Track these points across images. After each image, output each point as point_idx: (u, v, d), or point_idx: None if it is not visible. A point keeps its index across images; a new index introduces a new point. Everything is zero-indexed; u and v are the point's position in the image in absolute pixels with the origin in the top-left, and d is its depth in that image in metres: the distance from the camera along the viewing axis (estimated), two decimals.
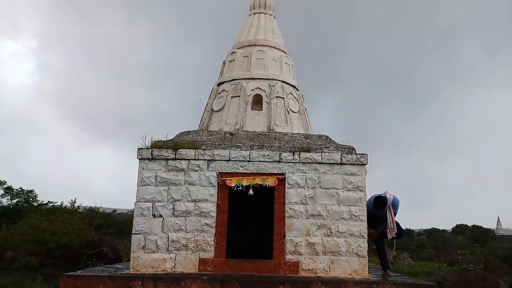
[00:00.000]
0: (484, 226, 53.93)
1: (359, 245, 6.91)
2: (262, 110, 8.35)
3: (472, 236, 47.54)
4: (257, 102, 8.46)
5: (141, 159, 7.14)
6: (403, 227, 8.06)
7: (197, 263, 6.79)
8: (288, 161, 7.13)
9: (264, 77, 8.61)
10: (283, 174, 7.11)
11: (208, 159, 7.12)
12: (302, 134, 7.90)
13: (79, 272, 6.91)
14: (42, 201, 19.39)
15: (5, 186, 18.46)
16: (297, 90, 9.08)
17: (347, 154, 7.22)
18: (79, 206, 19.36)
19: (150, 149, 7.16)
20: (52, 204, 19.41)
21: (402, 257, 19.21)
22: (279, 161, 7.13)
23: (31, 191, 19.11)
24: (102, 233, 17.04)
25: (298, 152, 7.17)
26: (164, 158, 7.12)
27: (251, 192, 6.98)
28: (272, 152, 7.16)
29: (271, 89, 8.43)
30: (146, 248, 6.84)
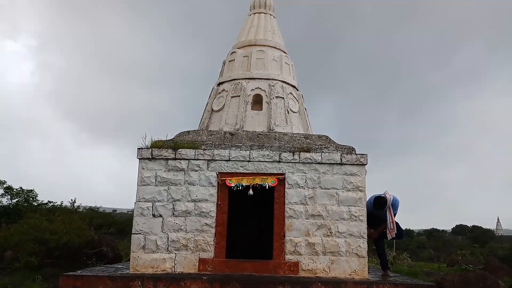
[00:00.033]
0: (484, 227, 53.91)
1: (359, 246, 6.91)
2: (262, 110, 8.35)
3: (472, 237, 47.49)
4: (257, 102, 8.46)
5: (141, 159, 7.14)
6: (403, 228, 8.05)
7: (197, 263, 6.79)
8: (288, 161, 7.14)
9: (264, 77, 8.61)
10: (283, 174, 7.11)
11: (208, 159, 7.12)
12: (302, 134, 7.90)
13: (79, 272, 6.92)
14: (42, 200, 19.40)
15: (5, 185, 18.45)
16: (297, 90, 9.08)
17: (347, 154, 7.22)
18: (79, 206, 19.36)
19: (150, 149, 7.16)
20: (52, 204, 19.42)
21: (401, 258, 19.20)
22: (279, 161, 7.13)
23: (31, 190, 19.10)
24: (102, 233, 17.03)
25: (298, 152, 7.17)
26: (164, 158, 7.12)
27: (251, 192, 6.98)
28: (272, 152, 7.16)
29: (271, 89, 8.43)
30: (146, 248, 6.84)
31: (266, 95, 8.41)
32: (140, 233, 6.90)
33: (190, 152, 7.13)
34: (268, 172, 7.10)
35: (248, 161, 7.12)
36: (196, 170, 7.09)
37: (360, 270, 6.83)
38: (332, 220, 6.98)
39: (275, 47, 9.14)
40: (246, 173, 7.09)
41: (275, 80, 8.62)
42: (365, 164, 7.21)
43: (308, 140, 7.58)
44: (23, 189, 18.83)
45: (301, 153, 7.17)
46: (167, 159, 7.13)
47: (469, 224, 59.03)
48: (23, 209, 16.99)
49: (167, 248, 6.84)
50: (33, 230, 12.44)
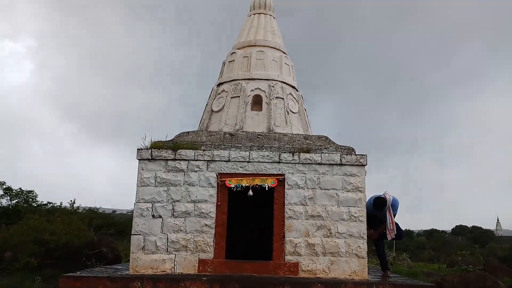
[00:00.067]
0: (484, 227, 53.92)
1: (359, 246, 6.91)
2: (261, 110, 8.35)
3: (471, 237, 47.48)
4: (257, 102, 8.46)
5: (140, 159, 7.14)
6: (403, 228, 8.06)
7: (197, 264, 6.78)
8: (288, 161, 7.13)
9: (264, 78, 8.61)
10: (282, 175, 7.10)
11: (207, 159, 7.11)
12: (302, 134, 7.90)
13: (78, 273, 6.91)
14: (41, 201, 19.39)
15: (4, 186, 18.44)
16: (297, 91, 9.07)
17: (346, 155, 7.22)
18: (78, 207, 19.36)
19: (150, 150, 7.15)
20: (51, 204, 19.41)
21: (401, 258, 19.19)
22: (278, 162, 7.13)
23: (31, 191, 19.09)
24: (102, 234, 17.00)
25: (297, 153, 7.17)
26: (163, 158, 7.11)
27: (250, 193, 6.97)
28: (271, 152, 7.16)
29: (271, 90, 8.42)
30: (145, 249, 6.83)
31: (266, 96, 8.41)
32: (139, 234, 6.89)
33: (189, 153, 7.13)
34: (268, 172, 7.10)
35: (248, 161, 7.12)
36: (196, 171, 7.09)
37: (360, 270, 6.82)
38: (332, 220, 6.97)
39: (275, 48, 9.14)
40: (245, 173, 7.08)
41: (275, 80, 8.61)
42: (364, 165, 7.21)
43: (307, 141, 7.58)
44: (22, 190, 18.82)
45: (301, 153, 7.16)
46: (167, 159, 7.12)
47: (469, 225, 59.11)
48: (23, 210, 16.98)
49: (167, 249, 6.83)
50: (32, 231, 12.43)
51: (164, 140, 7.45)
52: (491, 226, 66.81)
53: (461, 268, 16.20)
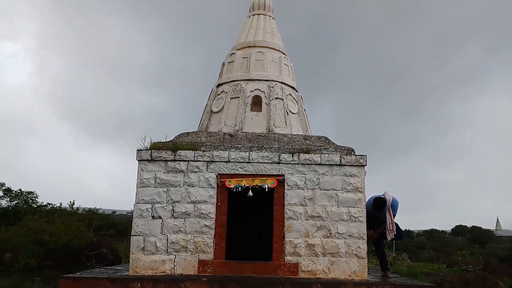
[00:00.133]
0: (483, 227, 53.95)
1: (359, 246, 6.91)
2: (261, 111, 8.35)
3: (471, 237, 47.52)
4: (256, 103, 8.46)
5: (140, 160, 7.14)
6: (402, 228, 8.06)
7: (197, 265, 6.78)
8: (288, 162, 7.14)
9: (263, 79, 8.61)
10: (282, 175, 7.11)
11: (207, 160, 7.11)
12: (302, 135, 7.90)
13: (78, 274, 6.90)
14: (42, 202, 19.41)
15: (4, 187, 18.44)
16: (296, 92, 9.08)
17: (346, 155, 7.22)
18: (78, 208, 19.38)
19: (149, 151, 7.16)
20: (51, 205, 19.43)
21: (401, 258, 19.22)
22: (278, 162, 7.13)
23: (31, 192, 19.11)
24: (102, 235, 17.03)
25: (297, 153, 7.17)
26: (163, 159, 7.11)
27: (250, 193, 6.97)
28: (271, 153, 7.16)
29: (270, 91, 8.43)
30: (145, 249, 6.83)
31: (265, 97, 8.42)
32: (139, 235, 6.89)
33: (189, 154, 7.13)
34: (268, 173, 7.10)
35: (248, 162, 7.12)
36: (196, 172, 7.09)
37: (360, 271, 6.83)
38: (331, 221, 6.98)
39: (274, 49, 9.15)
40: (245, 174, 7.08)
41: (274, 81, 8.62)
42: (364, 165, 7.21)
43: (307, 141, 7.58)
44: (22, 191, 18.83)
45: (301, 154, 7.17)
46: (167, 160, 7.12)
47: (469, 225, 59.17)
48: (22, 211, 17.01)
49: (167, 249, 6.83)
50: (32, 232, 12.45)
51: (164, 141, 7.45)
52: (491, 226, 66.86)
53: (461, 268, 16.23)
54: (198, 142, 7.39)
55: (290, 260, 6.84)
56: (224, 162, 7.11)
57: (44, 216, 15.56)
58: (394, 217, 7.45)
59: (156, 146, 7.22)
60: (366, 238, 7.00)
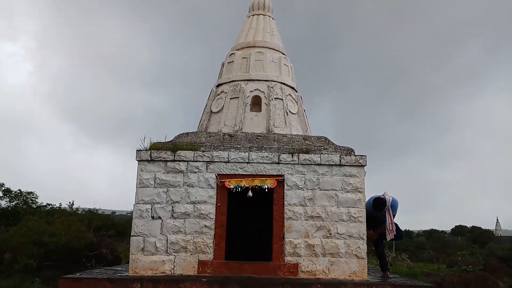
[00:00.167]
0: (483, 227, 53.96)
1: (358, 247, 6.91)
2: (261, 111, 8.35)
3: (471, 237, 47.51)
4: (256, 103, 8.46)
5: (140, 160, 7.13)
6: (402, 228, 8.05)
7: (196, 265, 6.78)
8: (287, 162, 7.13)
9: (263, 79, 8.61)
10: (282, 175, 7.10)
11: (207, 160, 7.11)
12: (301, 135, 7.90)
13: (78, 274, 6.89)
14: (41, 203, 19.40)
15: (3, 188, 18.43)
16: (296, 92, 9.08)
17: (346, 155, 7.22)
18: (77, 208, 19.38)
19: (149, 151, 7.15)
20: (50, 206, 19.42)
21: (401, 259, 19.22)
22: (278, 163, 7.13)
23: (31, 192, 19.09)
24: (101, 235, 17.02)
25: (297, 154, 7.17)
26: (163, 159, 7.11)
27: (250, 194, 6.97)
28: (271, 153, 7.16)
29: (270, 91, 8.43)
30: (145, 250, 6.82)
31: (265, 97, 8.41)
32: (139, 235, 6.88)
33: (189, 154, 7.13)
34: (267, 173, 7.10)
35: (247, 162, 7.11)
36: (195, 172, 7.08)
37: (360, 271, 6.82)
38: (331, 221, 6.97)
39: (274, 49, 9.15)
40: (245, 174, 7.08)
41: (274, 81, 8.62)
42: (364, 165, 7.21)
43: (307, 142, 7.58)
44: (21, 192, 18.81)
45: (300, 154, 7.17)
46: (166, 161, 7.12)
47: (469, 225, 59.17)
48: (22, 212, 17.00)
49: (166, 250, 6.83)
50: (32, 233, 12.44)
51: (164, 141, 7.44)
52: (491, 226, 66.86)
53: (460, 268, 16.23)
54: (198, 143, 7.39)
55: (290, 261, 6.84)
56: (224, 162, 7.11)
57: (44, 216, 15.55)
58: (394, 217, 7.45)
59: (156, 147, 7.22)
60: (366, 239, 7.00)
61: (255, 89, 8.49)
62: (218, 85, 9.01)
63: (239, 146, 7.24)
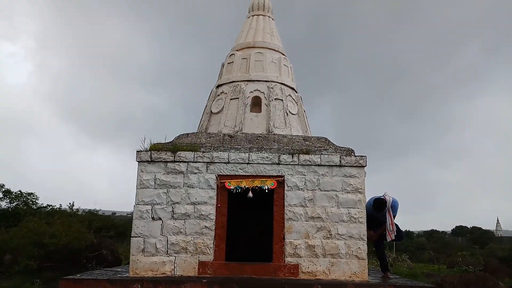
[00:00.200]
0: (484, 228, 53.93)
1: (359, 248, 6.91)
2: (261, 112, 8.35)
3: (471, 238, 47.47)
4: (256, 104, 8.46)
5: (140, 161, 7.13)
6: (403, 229, 8.05)
7: (197, 266, 6.77)
8: (287, 163, 7.13)
9: (263, 79, 8.61)
10: (282, 176, 7.10)
11: (207, 161, 7.11)
12: (301, 136, 7.90)
13: (78, 275, 6.89)
14: (41, 204, 19.39)
15: (3, 189, 18.42)
16: (296, 92, 9.08)
17: (346, 156, 7.21)
18: (78, 209, 19.37)
19: (149, 152, 7.15)
20: (51, 207, 19.41)
21: (401, 259, 19.20)
22: (278, 163, 7.13)
23: (31, 193, 19.08)
24: (102, 236, 17.00)
25: (297, 154, 7.17)
26: (163, 160, 7.11)
27: (250, 194, 6.96)
28: (271, 154, 7.15)
29: (270, 91, 8.43)
30: (145, 251, 6.82)
31: (265, 97, 8.41)
32: (139, 236, 6.88)
33: (189, 155, 7.12)
34: (268, 174, 7.10)
35: (248, 163, 7.11)
36: (195, 173, 7.08)
37: (360, 272, 6.82)
38: (331, 222, 6.97)
39: (273, 49, 9.15)
40: (245, 175, 7.07)
41: (274, 82, 8.62)
42: (364, 166, 7.21)
43: (307, 142, 7.58)
44: (22, 193, 18.80)
45: (300, 155, 7.16)
46: (166, 161, 7.11)
47: (469, 225, 59.14)
48: (22, 213, 16.99)
49: (167, 251, 6.82)
50: (32, 234, 12.43)
51: (164, 142, 7.44)
52: (491, 227, 66.88)
53: (461, 269, 16.22)
54: (198, 143, 7.39)
55: (290, 261, 6.83)
56: (224, 163, 7.11)
57: (44, 217, 15.54)
58: (394, 218, 7.44)
59: (156, 147, 7.22)
60: (366, 239, 7.00)
61: (255, 90, 8.49)
62: (218, 86, 9.01)
63: (239, 147, 7.24)
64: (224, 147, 7.23)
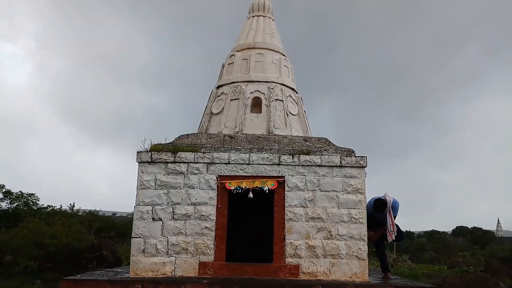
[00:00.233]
0: (484, 228, 53.88)
1: (359, 248, 6.90)
2: (261, 113, 8.35)
3: (472, 238, 47.45)
4: (256, 105, 8.46)
5: (140, 162, 7.13)
6: (403, 229, 8.05)
7: (197, 267, 6.77)
8: (288, 164, 7.13)
9: (263, 80, 8.61)
10: (282, 177, 7.10)
11: (207, 162, 7.11)
12: (302, 136, 7.90)
13: (78, 276, 6.89)
14: (42, 204, 19.39)
15: (4, 190, 18.42)
16: (296, 93, 9.08)
17: (346, 156, 7.21)
18: (78, 210, 19.36)
19: (150, 152, 7.15)
20: (51, 207, 19.41)
21: (402, 260, 19.19)
22: (278, 164, 7.13)
23: (32, 194, 19.08)
24: (102, 237, 17.00)
25: (297, 155, 7.17)
26: (163, 161, 7.11)
27: (250, 195, 6.96)
28: (271, 155, 7.16)
29: (270, 92, 8.43)
30: (146, 251, 6.82)
31: (265, 98, 8.42)
32: (140, 237, 6.88)
33: (189, 156, 7.12)
34: (268, 175, 7.10)
35: (248, 164, 7.11)
36: (196, 173, 7.08)
37: (361, 272, 6.82)
38: (332, 222, 6.97)
39: (274, 50, 9.15)
40: (245, 176, 7.08)
41: (274, 83, 8.62)
42: (364, 167, 7.20)
43: (307, 143, 7.58)
44: (22, 193, 18.80)
45: (301, 155, 7.16)
46: (167, 162, 7.12)
47: (470, 226, 59.08)
48: (22, 213, 16.99)
49: (167, 251, 6.82)
50: (32, 234, 12.43)
51: (164, 142, 7.45)
52: (492, 227, 66.85)
53: (461, 269, 16.22)
54: (198, 144, 7.39)
55: (291, 262, 6.83)
56: (224, 163, 7.11)
57: (44, 218, 15.54)
58: (394, 219, 7.44)
59: (156, 148, 7.22)
60: (366, 240, 6.99)
61: (255, 91, 8.49)
62: (218, 87, 9.02)
63: (240, 147, 7.24)
64: (224, 147, 7.23)
